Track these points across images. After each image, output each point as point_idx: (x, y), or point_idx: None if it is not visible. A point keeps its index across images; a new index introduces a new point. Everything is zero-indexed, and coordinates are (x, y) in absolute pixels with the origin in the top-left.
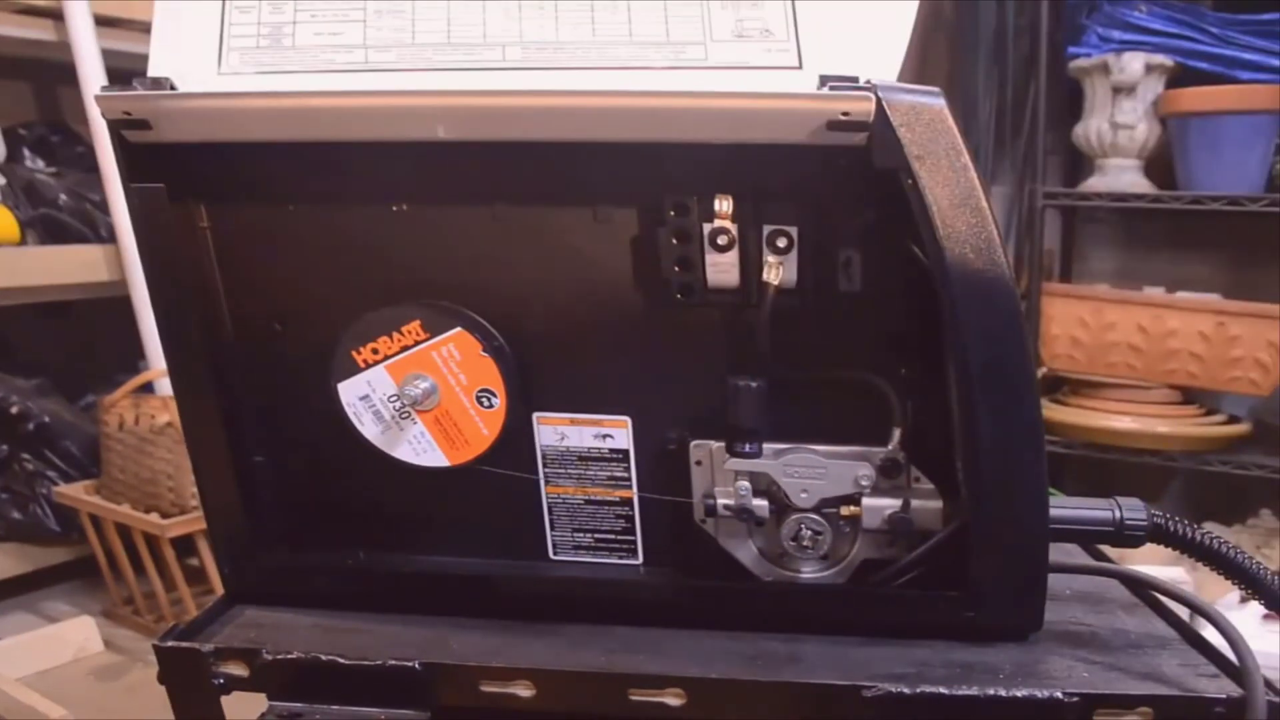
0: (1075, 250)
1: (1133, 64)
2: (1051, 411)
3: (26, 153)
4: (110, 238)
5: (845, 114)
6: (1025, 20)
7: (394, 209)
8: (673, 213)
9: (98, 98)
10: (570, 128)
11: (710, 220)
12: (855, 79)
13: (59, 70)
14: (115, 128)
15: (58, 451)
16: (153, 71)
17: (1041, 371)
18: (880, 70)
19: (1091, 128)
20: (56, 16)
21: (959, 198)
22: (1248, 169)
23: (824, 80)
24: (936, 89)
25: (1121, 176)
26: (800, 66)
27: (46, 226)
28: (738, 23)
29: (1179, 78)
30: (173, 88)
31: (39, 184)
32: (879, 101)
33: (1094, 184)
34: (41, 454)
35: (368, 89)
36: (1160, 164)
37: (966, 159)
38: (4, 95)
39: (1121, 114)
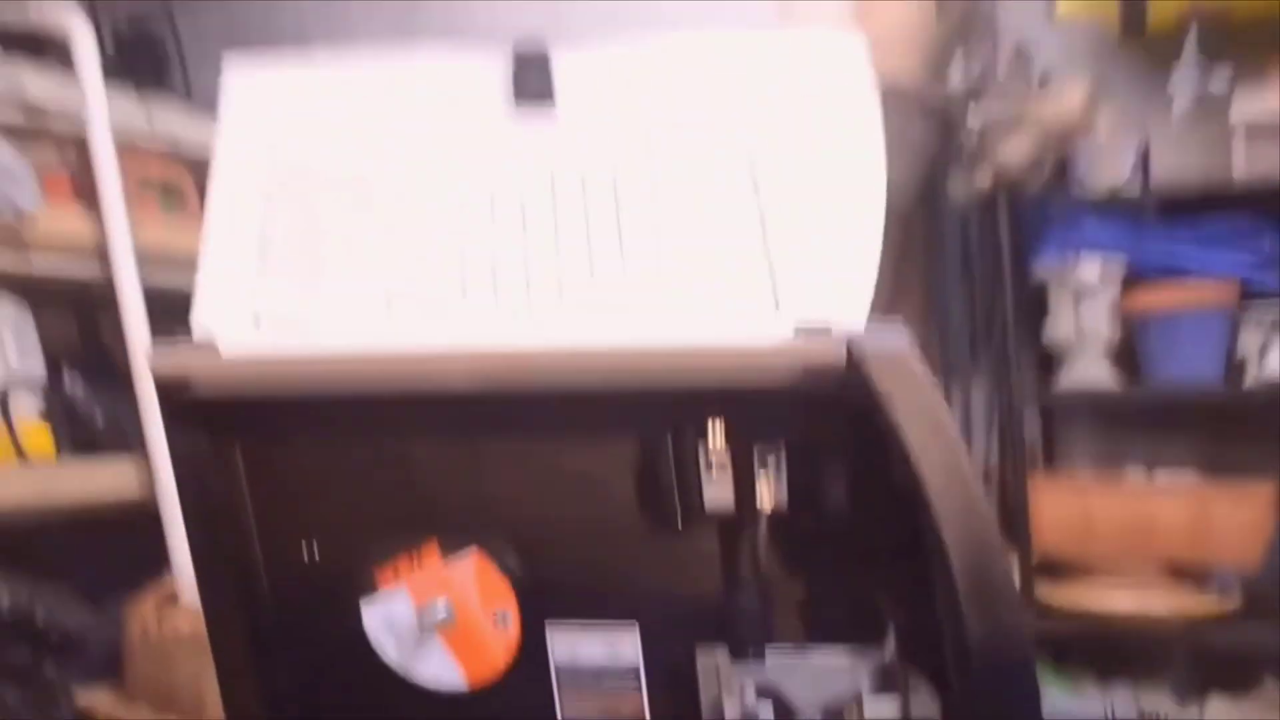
0: (1056, 438)
1: (1089, 269)
2: (1051, 593)
3: (67, 375)
4: (143, 454)
5: (819, 362)
6: (989, 234)
7: (414, 443)
8: (670, 440)
9: (148, 359)
10: (575, 378)
11: (705, 446)
12: (828, 327)
13: (101, 298)
14: (161, 384)
15: (81, 658)
16: (196, 329)
17: (1037, 557)
18: (851, 310)
19: (1059, 327)
20: (101, 253)
21: (930, 429)
22: (1207, 358)
23: (799, 329)
24: (904, 331)
25: (1091, 371)
26: (777, 308)
27: (82, 444)
28: (720, 269)
29: (1134, 278)
30: (215, 349)
31: (77, 403)
32: (849, 349)
33: (1068, 379)
34: (64, 660)
35: (390, 346)
36: (1129, 351)
37: (936, 395)
38: (48, 321)
39: (1085, 314)
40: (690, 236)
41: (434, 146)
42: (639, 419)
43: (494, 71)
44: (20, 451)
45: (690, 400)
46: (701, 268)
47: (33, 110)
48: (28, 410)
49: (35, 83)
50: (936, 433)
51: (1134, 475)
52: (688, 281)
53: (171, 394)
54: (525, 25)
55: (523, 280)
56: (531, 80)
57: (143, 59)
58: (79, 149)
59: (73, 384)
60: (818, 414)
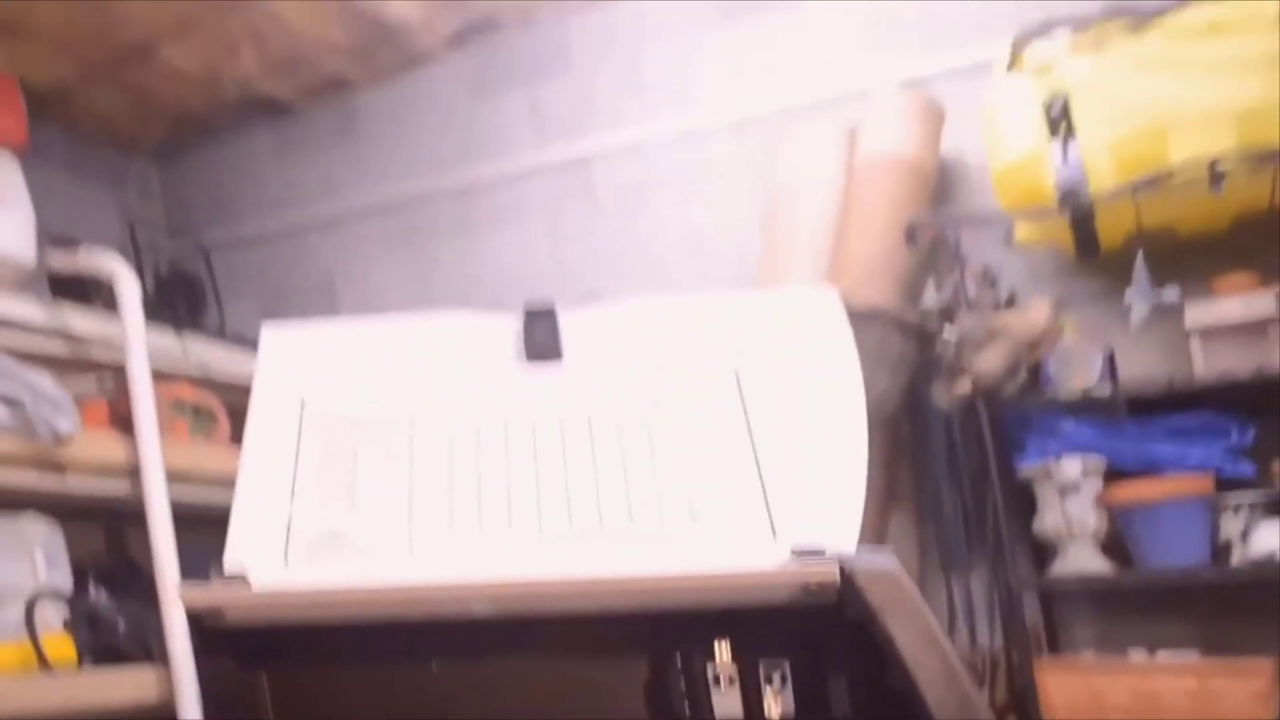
0: (1058, 622)
1: (1071, 468)
2: None
3: (92, 585)
4: (163, 660)
5: (815, 582)
6: (973, 436)
7: (432, 664)
8: (679, 657)
9: (181, 594)
10: (589, 604)
11: (713, 661)
12: (821, 550)
13: (129, 513)
14: (193, 614)
15: None
16: (229, 564)
17: None
18: (841, 531)
19: (1048, 521)
20: (133, 473)
21: (921, 637)
22: (1192, 544)
23: (795, 552)
24: (891, 554)
25: (1084, 560)
26: (774, 536)
27: (103, 652)
28: (719, 502)
29: (1114, 473)
30: (246, 583)
31: (100, 612)
32: (842, 570)
33: (1061, 567)
34: None
35: (412, 579)
36: (1118, 538)
37: (924, 607)
38: (77, 535)
39: (1071, 508)
40: (692, 472)
41: (453, 395)
42: (649, 639)
43: (506, 330)
44: (43, 661)
45: (697, 621)
46: (703, 499)
47: (75, 343)
48: (52, 620)
49: (78, 319)
50: (927, 641)
51: (1137, 657)
52: (690, 512)
53: (203, 623)
54: (530, 273)
55: (535, 513)
56: (540, 338)
57: (180, 296)
58: (117, 376)
59: (97, 594)
60: (818, 629)
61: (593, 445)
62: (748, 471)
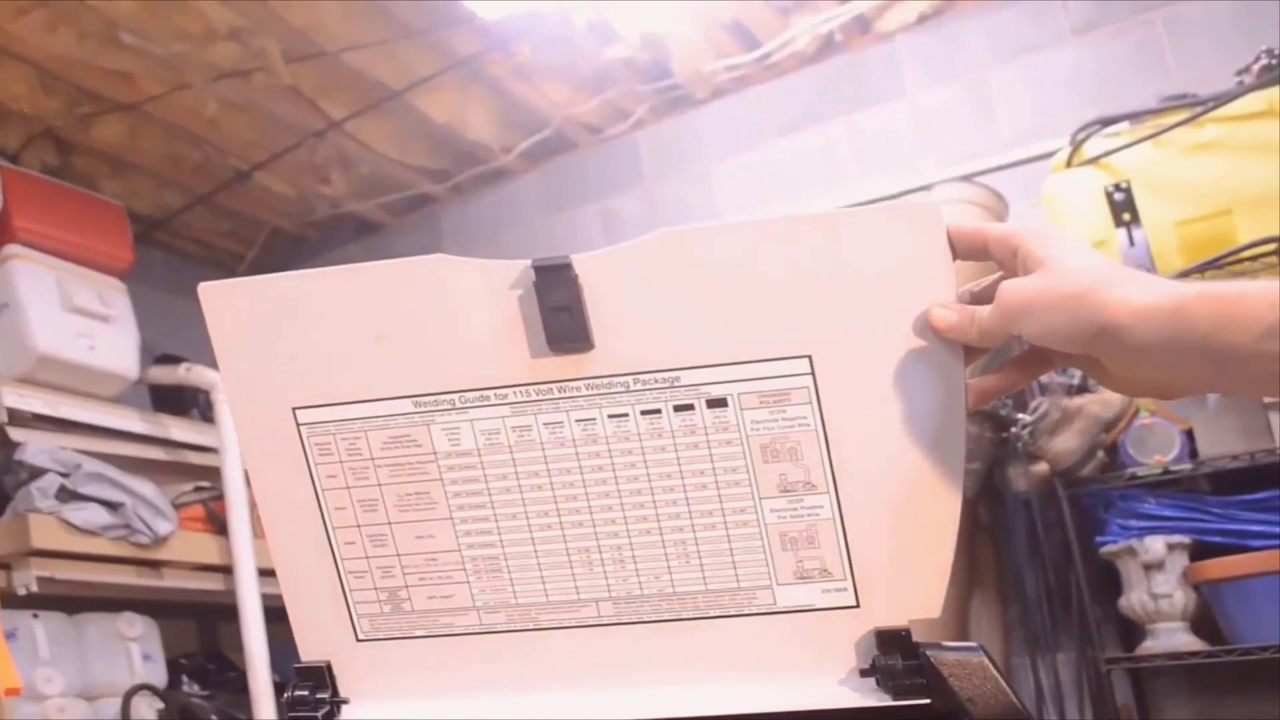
0: (1149, 702)
1: (1155, 546)
2: None
3: (185, 679)
4: None
5: (900, 674)
6: (1053, 517)
7: None
8: None
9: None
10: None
11: None
12: (907, 631)
13: (222, 610)
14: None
15: None
16: (305, 654)
17: None
18: (925, 604)
19: (1134, 600)
20: (226, 571)
21: None
22: None
23: (879, 638)
24: (976, 645)
25: (1174, 637)
26: (858, 605)
27: None
28: (798, 564)
29: (1200, 549)
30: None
31: (193, 707)
32: (930, 661)
33: (1150, 646)
34: None
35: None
36: (1209, 616)
37: (1011, 696)
38: (172, 632)
39: (1157, 586)
40: (762, 508)
41: (470, 401)
42: None
43: (513, 287)
44: None
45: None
46: (777, 546)
47: (174, 449)
48: (147, 713)
49: (177, 427)
50: None
51: None
52: (767, 564)
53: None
54: None
55: (600, 571)
56: (561, 321)
57: None
58: (213, 480)
59: (190, 687)
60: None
61: (647, 470)
62: (825, 509)
